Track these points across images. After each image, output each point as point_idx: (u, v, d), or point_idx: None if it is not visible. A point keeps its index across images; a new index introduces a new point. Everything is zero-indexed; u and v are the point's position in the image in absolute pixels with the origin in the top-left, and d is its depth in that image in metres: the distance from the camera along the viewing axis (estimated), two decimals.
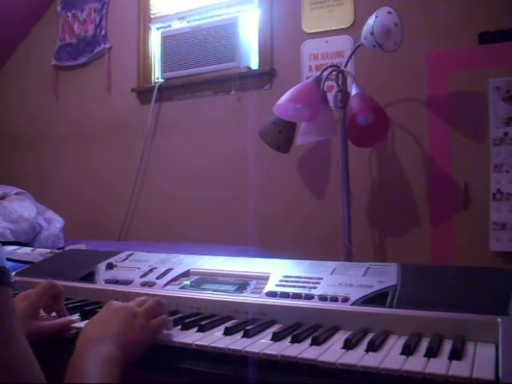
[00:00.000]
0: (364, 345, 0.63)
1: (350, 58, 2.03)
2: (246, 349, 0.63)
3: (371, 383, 0.56)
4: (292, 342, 0.65)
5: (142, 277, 0.96)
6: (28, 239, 2.06)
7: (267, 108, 2.08)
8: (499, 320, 0.63)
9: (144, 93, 2.79)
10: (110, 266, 1.04)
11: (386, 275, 0.81)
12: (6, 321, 0.46)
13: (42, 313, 0.81)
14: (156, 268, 0.99)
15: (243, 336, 0.68)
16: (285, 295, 0.80)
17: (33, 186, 2.69)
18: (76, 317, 0.80)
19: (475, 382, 0.52)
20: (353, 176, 1.99)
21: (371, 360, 0.58)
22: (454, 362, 0.56)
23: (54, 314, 0.83)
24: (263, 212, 2.38)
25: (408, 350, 0.60)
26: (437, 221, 2.08)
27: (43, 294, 0.79)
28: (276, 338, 0.67)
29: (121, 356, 0.63)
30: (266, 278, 0.87)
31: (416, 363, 0.56)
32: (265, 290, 0.83)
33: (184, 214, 2.64)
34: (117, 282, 0.96)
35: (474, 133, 2.01)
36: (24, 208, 2.13)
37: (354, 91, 1.89)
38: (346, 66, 2.03)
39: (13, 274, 1.12)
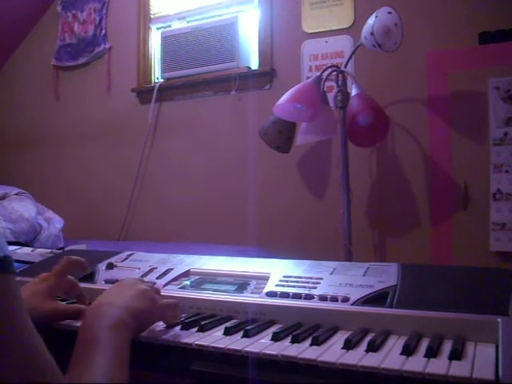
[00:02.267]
0: (364, 345, 0.63)
1: (350, 58, 2.03)
2: (246, 349, 0.63)
3: (371, 383, 0.56)
4: (292, 341, 0.65)
5: (142, 277, 0.96)
6: (28, 239, 2.07)
7: (267, 108, 2.09)
8: (499, 320, 0.63)
9: (144, 93, 2.79)
10: (110, 266, 1.04)
11: (385, 275, 0.81)
12: (12, 308, 0.45)
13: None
14: (156, 268, 0.99)
15: (243, 336, 0.68)
16: (285, 295, 0.80)
17: (33, 186, 2.70)
18: None
19: (475, 382, 0.52)
20: (353, 176, 1.99)
21: (371, 360, 0.58)
22: (453, 362, 0.56)
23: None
24: (263, 212, 2.38)
25: (408, 350, 0.60)
26: (437, 221, 2.08)
27: (64, 272, 0.79)
28: (276, 338, 0.67)
29: (131, 322, 0.63)
30: (265, 278, 0.87)
31: (416, 363, 0.56)
32: (265, 290, 0.83)
33: (184, 213, 2.64)
34: (117, 281, 0.96)
35: (474, 133, 2.01)
36: (24, 208, 2.13)
37: (354, 91, 1.89)
38: (346, 66, 2.03)
39: None
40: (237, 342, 0.66)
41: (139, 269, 1.00)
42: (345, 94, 1.95)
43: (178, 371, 0.65)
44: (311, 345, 0.64)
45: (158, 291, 0.78)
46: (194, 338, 0.69)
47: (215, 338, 0.68)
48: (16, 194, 2.24)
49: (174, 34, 2.66)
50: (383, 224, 2.19)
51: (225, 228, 2.49)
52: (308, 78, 2.25)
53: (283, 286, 0.83)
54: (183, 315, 0.81)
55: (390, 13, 1.77)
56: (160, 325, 0.74)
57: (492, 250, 1.93)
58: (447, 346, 0.61)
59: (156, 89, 2.70)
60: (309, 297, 0.78)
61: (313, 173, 2.35)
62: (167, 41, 2.68)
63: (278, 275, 0.87)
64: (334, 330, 0.70)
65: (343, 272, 0.85)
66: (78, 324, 0.66)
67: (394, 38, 1.78)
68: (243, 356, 0.63)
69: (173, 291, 0.88)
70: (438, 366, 0.55)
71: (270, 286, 0.84)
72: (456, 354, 0.58)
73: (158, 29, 2.88)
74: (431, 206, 2.10)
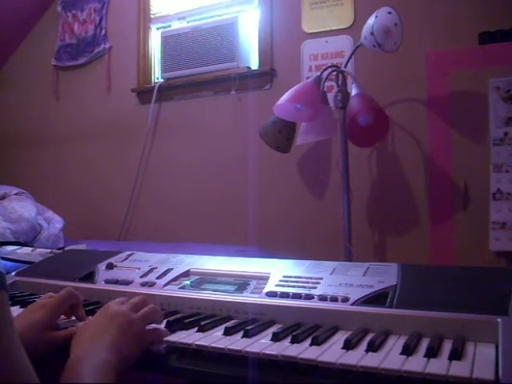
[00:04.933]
0: (364, 345, 0.63)
1: (349, 58, 2.03)
2: (246, 349, 0.63)
3: (371, 383, 0.56)
4: (292, 342, 0.65)
5: (142, 277, 0.96)
6: (28, 239, 2.06)
7: (267, 108, 2.08)
8: (499, 320, 0.63)
9: (144, 93, 2.79)
10: (110, 266, 1.04)
11: (386, 275, 0.81)
12: (1, 325, 0.46)
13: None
14: (156, 268, 0.99)
15: (243, 336, 0.68)
16: (285, 295, 0.80)
17: (33, 186, 2.69)
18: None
19: (475, 382, 0.52)
20: (353, 176, 1.99)
21: (371, 360, 0.58)
22: (454, 362, 0.56)
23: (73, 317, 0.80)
24: (263, 212, 2.38)
25: (408, 350, 0.60)
26: (437, 221, 2.08)
27: (62, 304, 0.76)
28: (276, 338, 0.67)
29: (116, 361, 0.62)
30: (265, 278, 0.87)
31: (416, 363, 0.56)
32: (265, 290, 0.83)
33: (184, 213, 2.64)
34: (117, 282, 0.96)
35: (474, 133, 2.01)
36: (24, 208, 2.13)
37: (354, 91, 1.89)
38: (345, 66, 2.03)
39: (13, 274, 1.13)
40: (237, 342, 0.66)
41: (139, 269, 1.01)
42: (345, 94, 1.95)
43: (177, 371, 0.64)
44: (311, 345, 0.64)
45: (143, 308, 0.72)
46: (193, 337, 0.69)
47: (215, 338, 0.68)
48: (16, 194, 2.23)
49: (174, 34, 2.66)
50: (383, 224, 2.19)
51: (225, 228, 2.49)
52: (308, 77, 2.25)
53: (283, 286, 0.83)
54: (180, 314, 0.81)
55: (390, 13, 1.77)
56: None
57: (492, 249, 1.93)
58: (447, 346, 0.61)
59: (156, 89, 2.70)
60: (309, 297, 0.78)
61: (313, 173, 2.35)
62: (167, 41, 2.68)
63: (278, 275, 0.87)
64: (334, 330, 0.70)
65: (343, 272, 0.85)
66: None
67: (394, 38, 1.78)
68: (243, 356, 0.63)
69: (173, 291, 0.88)
70: (438, 365, 0.55)
71: (270, 286, 0.84)
72: (456, 354, 0.58)
73: (158, 29, 2.88)
74: (431, 205, 2.10)
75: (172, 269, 0.98)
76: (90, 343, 0.64)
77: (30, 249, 1.69)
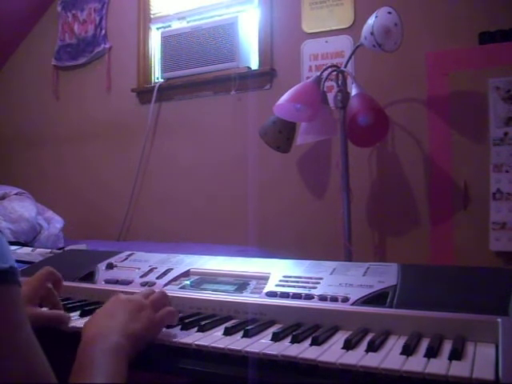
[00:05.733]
0: (364, 345, 0.63)
1: (350, 58, 2.03)
2: (246, 349, 0.63)
3: (371, 383, 0.56)
4: (292, 342, 0.65)
5: (142, 277, 0.96)
6: (28, 239, 2.07)
7: (267, 108, 2.08)
8: (499, 320, 0.63)
9: (144, 93, 2.79)
10: (110, 266, 1.04)
11: (386, 275, 0.81)
12: (17, 319, 0.46)
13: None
14: (156, 268, 0.99)
15: (243, 336, 0.68)
16: (285, 295, 0.80)
17: (33, 186, 2.69)
18: (76, 316, 0.80)
19: (475, 382, 0.52)
20: (353, 176, 1.99)
21: (371, 360, 0.58)
22: (454, 362, 0.56)
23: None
24: (263, 212, 2.38)
25: (408, 350, 0.60)
26: (437, 221, 2.08)
27: (43, 280, 0.80)
28: (276, 338, 0.66)
29: (128, 345, 0.63)
30: (265, 278, 0.87)
31: (416, 363, 0.56)
32: (265, 290, 0.83)
33: (184, 213, 2.64)
34: (117, 281, 0.96)
35: (474, 133, 2.01)
36: (24, 208, 2.13)
37: (354, 91, 1.89)
38: (345, 66, 2.03)
39: None
40: (237, 342, 0.66)
41: (139, 269, 1.00)
42: (345, 94, 1.95)
43: (177, 371, 0.64)
44: (311, 345, 0.64)
45: (153, 297, 0.74)
46: (193, 337, 0.68)
47: (215, 338, 0.68)
48: (16, 194, 2.24)
49: (174, 34, 2.66)
50: (383, 224, 2.19)
51: (225, 228, 2.49)
52: (308, 77, 2.25)
53: (283, 286, 0.83)
54: (180, 314, 0.81)
55: (389, 13, 1.77)
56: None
57: (492, 249, 1.93)
58: (447, 346, 0.61)
59: (156, 89, 2.70)
60: (309, 297, 0.78)
61: (313, 173, 2.35)
62: (167, 41, 2.68)
63: (278, 275, 0.87)
64: (334, 330, 0.70)
65: (343, 272, 0.85)
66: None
67: (394, 38, 1.78)
68: (243, 356, 0.63)
69: (173, 291, 0.88)
70: (438, 365, 0.55)
71: (270, 286, 0.84)
72: (456, 354, 0.58)
73: (158, 29, 2.88)
74: (431, 205, 2.10)
75: (172, 269, 0.97)
76: (101, 327, 0.65)
77: (30, 249, 1.69)
